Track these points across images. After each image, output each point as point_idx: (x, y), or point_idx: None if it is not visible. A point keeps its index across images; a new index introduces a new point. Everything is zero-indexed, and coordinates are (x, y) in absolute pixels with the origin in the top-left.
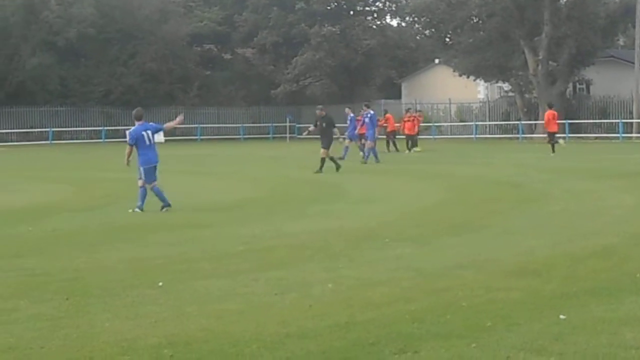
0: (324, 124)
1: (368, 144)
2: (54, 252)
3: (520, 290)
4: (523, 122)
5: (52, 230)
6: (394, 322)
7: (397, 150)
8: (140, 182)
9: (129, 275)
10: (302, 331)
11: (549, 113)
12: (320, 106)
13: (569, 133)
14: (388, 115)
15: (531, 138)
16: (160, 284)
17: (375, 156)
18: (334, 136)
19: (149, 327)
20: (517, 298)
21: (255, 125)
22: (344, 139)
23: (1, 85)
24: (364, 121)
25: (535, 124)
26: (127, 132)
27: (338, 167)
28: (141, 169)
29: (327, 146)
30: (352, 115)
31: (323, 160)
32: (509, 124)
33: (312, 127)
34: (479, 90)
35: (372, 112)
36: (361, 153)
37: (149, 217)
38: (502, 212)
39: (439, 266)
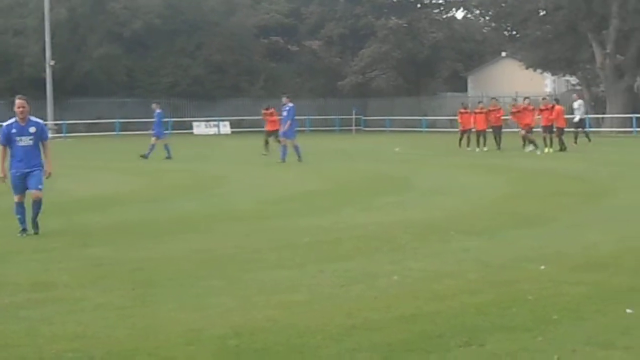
0: None
1: (284, 140)
2: (122, 242)
3: (587, 284)
4: (590, 115)
5: (120, 220)
6: (460, 314)
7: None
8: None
9: (196, 266)
10: (368, 323)
11: (558, 109)
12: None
13: (637, 127)
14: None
15: (598, 132)
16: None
17: (298, 154)
18: None
19: (215, 317)
20: (583, 292)
21: (321, 117)
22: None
23: (69, 76)
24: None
25: (603, 117)
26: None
27: None
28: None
29: None
30: (158, 111)
31: None
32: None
33: None
34: (545, 84)
35: (290, 104)
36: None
37: (216, 208)
38: (569, 205)
39: (505, 259)
